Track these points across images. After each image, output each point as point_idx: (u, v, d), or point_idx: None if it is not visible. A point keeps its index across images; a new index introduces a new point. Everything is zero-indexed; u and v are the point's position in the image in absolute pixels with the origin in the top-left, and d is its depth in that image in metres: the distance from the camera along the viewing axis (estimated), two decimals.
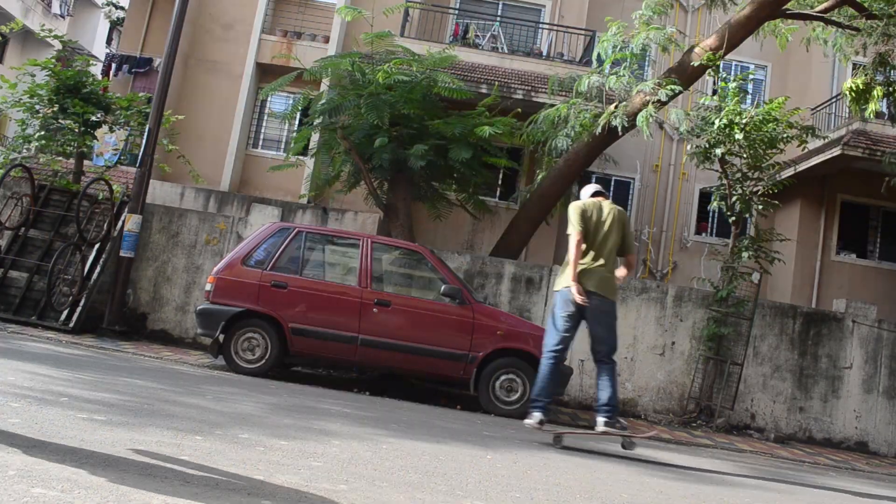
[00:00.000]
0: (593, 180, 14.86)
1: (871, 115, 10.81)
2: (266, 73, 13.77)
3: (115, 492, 2.57)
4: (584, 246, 5.38)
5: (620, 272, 5.57)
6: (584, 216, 5.43)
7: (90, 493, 2.50)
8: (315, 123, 10.29)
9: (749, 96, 12.76)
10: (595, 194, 5.67)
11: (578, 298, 5.23)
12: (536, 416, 5.32)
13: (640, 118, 9.05)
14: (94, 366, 6.17)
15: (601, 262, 5.38)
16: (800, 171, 12.73)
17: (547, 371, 5.36)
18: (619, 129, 9.36)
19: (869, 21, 9.85)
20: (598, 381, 5.43)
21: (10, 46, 24.26)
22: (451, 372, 7.21)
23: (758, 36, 10.69)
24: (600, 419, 5.32)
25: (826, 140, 12.00)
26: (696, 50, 9.69)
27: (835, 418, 9.04)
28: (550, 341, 5.40)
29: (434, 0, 14.12)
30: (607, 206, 5.56)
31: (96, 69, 16.35)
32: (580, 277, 5.30)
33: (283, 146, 13.89)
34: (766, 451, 7.45)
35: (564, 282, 5.36)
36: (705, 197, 13.92)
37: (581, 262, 5.34)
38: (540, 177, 10.94)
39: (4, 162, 10.34)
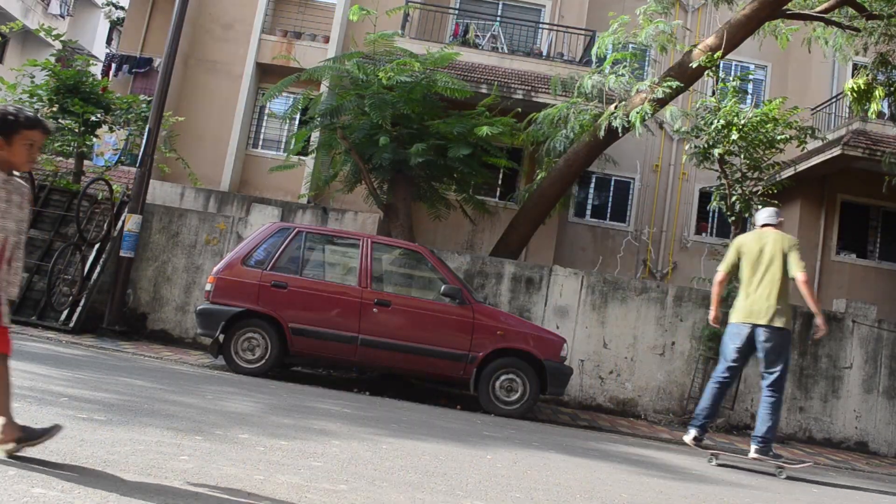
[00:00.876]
0: (593, 180, 14.87)
1: (874, 115, 10.81)
2: (266, 73, 13.77)
3: (116, 492, 2.58)
4: (723, 281, 5.90)
5: (809, 302, 5.63)
6: (733, 256, 5.83)
7: (90, 493, 2.50)
8: (315, 122, 10.29)
9: (749, 96, 12.75)
10: (766, 224, 5.87)
11: (711, 318, 5.94)
12: (693, 433, 5.78)
13: (632, 114, 9.06)
14: (94, 366, 6.17)
15: (766, 294, 5.62)
16: (800, 171, 12.72)
17: (712, 395, 5.79)
18: (619, 129, 9.36)
19: (869, 21, 9.85)
20: (760, 407, 5.76)
21: (10, 47, 24.25)
22: (451, 372, 7.21)
23: (758, 36, 10.68)
24: (753, 447, 5.67)
25: (825, 140, 12.00)
26: (696, 50, 9.69)
27: (835, 418, 9.04)
28: (719, 369, 5.87)
29: (434, 0, 14.12)
30: (771, 235, 5.74)
31: (96, 69, 16.35)
32: (747, 310, 5.66)
33: (283, 146, 13.87)
34: None
35: (734, 316, 5.77)
36: (705, 197, 13.91)
37: (749, 295, 5.68)
38: (540, 177, 10.93)
39: None
